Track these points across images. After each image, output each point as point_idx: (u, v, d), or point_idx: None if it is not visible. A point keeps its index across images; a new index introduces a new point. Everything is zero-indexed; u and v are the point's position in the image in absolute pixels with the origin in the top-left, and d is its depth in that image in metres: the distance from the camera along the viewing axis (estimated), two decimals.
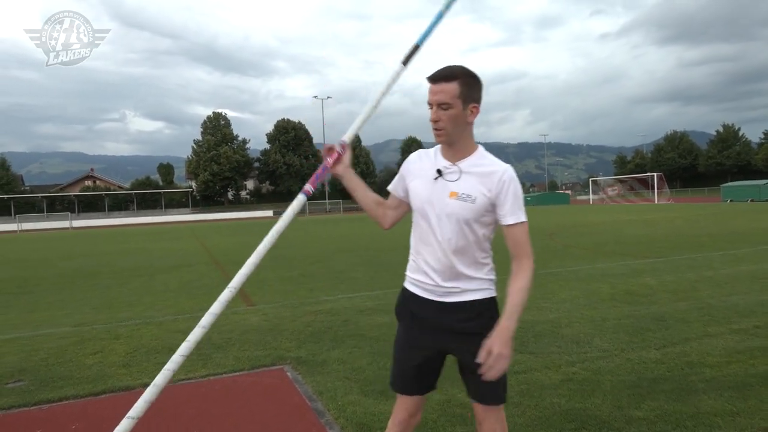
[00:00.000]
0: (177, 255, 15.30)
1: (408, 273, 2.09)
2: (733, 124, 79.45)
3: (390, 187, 2.11)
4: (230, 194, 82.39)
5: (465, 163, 1.90)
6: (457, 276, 1.92)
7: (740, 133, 78.24)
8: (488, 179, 1.86)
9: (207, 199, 79.18)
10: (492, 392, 1.93)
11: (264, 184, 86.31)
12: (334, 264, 11.13)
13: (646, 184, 48.23)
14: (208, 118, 77.91)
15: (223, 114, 78.76)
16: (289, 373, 4.11)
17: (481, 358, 1.75)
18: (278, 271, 10.34)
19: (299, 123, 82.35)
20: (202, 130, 77.29)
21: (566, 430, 2.91)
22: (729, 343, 4.28)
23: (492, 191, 1.85)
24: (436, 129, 1.88)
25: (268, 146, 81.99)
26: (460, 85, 1.81)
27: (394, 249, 13.45)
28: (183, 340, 1.85)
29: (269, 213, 68.24)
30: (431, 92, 1.85)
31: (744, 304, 5.64)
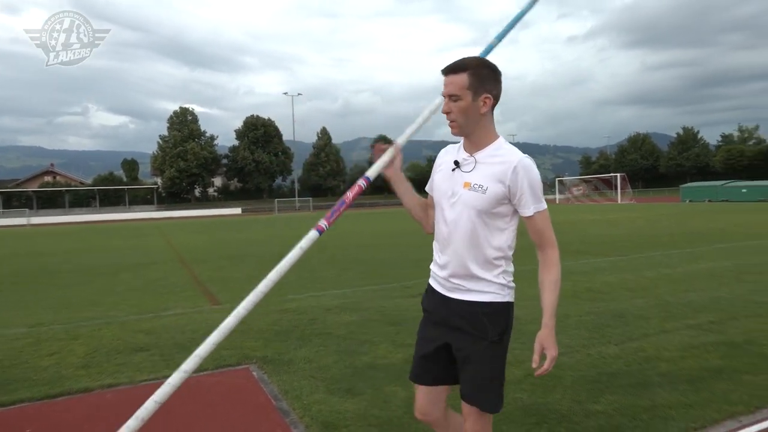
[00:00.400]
0: (142, 253, 14.94)
1: (431, 267, 2.11)
2: (692, 127, 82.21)
3: (427, 187, 2.10)
4: (197, 191, 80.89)
5: (481, 154, 1.89)
6: (466, 273, 1.90)
7: (699, 136, 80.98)
8: (502, 169, 1.82)
9: (173, 196, 77.54)
10: (476, 394, 1.91)
11: (232, 181, 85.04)
12: (302, 262, 11.03)
13: (610, 184, 49.52)
14: (175, 113, 76.22)
15: (191, 109, 77.25)
16: (254, 373, 4.07)
17: (534, 362, 1.81)
18: (245, 269, 10.22)
19: (269, 119, 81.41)
20: (168, 125, 75.56)
21: (527, 425, 2.97)
22: (684, 338, 4.44)
23: (505, 182, 1.82)
24: (448, 121, 1.90)
25: (236, 143, 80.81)
26: (470, 77, 1.82)
27: (363, 247, 13.45)
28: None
29: (237, 211, 67.30)
30: (444, 85, 1.87)
31: (699, 300, 5.86)
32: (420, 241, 14.37)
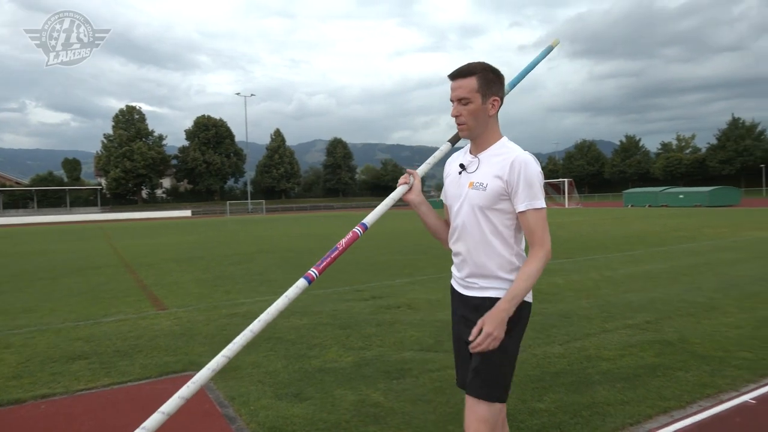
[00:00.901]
0: (83, 257, 14.29)
1: (451, 269, 2.13)
2: (635, 135, 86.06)
3: (441, 196, 2.14)
4: (144, 193, 78.20)
5: (485, 154, 1.93)
6: (480, 271, 1.92)
7: (641, 144, 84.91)
8: (500, 165, 1.86)
9: (118, 198, 74.66)
10: (476, 382, 1.85)
11: (182, 183, 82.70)
12: (253, 265, 10.87)
13: (558, 189, 51.15)
14: (121, 111, 73.48)
15: (138, 108, 74.67)
16: None
17: (472, 334, 1.78)
18: (193, 273, 9.95)
19: (221, 120, 79.71)
20: (113, 124, 72.72)
21: None
22: (623, 338, 4.63)
23: (503, 177, 1.84)
24: (458, 124, 1.93)
25: (186, 143, 78.67)
26: (479, 80, 1.86)
27: (315, 250, 13.36)
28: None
29: (188, 213, 65.51)
30: (451, 89, 1.90)
31: (638, 301, 6.13)
32: (373, 244, 14.41)
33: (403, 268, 9.38)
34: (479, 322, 1.79)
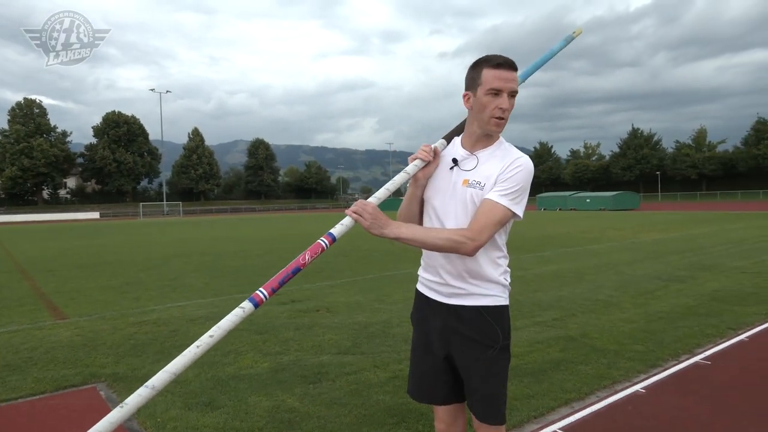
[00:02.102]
0: None
1: (419, 272, 1.98)
2: (547, 142, 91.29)
3: (412, 188, 1.96)
4: (46, 193, 72.37)
5: (484, 153, 1.82)
6: (467, 272, 1.80)
7: (552, 150, 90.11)
8: (499, 163, 1.77)
9: (15, 198, 68.60)
10: (485, 408, 1.81)
11: (89, 183, 77.45)
12: (166, 270, 10.36)
13: None
14: (18, 104, 67.62)
15: (38, 101, 69.07)
16: (102, 392, 3.72)
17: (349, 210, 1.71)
18: (98, 279, 9.33)
19: (133, 117, 75.47)
20: (9, 118, 66.71)
21: (388, 425, 3.06)
22: (531, 335, 4.88)
23: (496, 174, 1.75)
24: (500, 118, 1.74)
25: (95, 140, 73.75)
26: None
27: (233, 253, 12.95)
28: None
29: (95, 215, 61.42)
30: (503, 79, 1.70)
31: (546, 299, 6.47)
32: (295, 246, 14.21)
33: (321, 270, 9.33)
34: (359, 202, 1.71)
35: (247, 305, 1.57)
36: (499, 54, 1.75)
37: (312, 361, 4.24)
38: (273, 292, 1.61)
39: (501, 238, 1.85)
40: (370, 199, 1.77)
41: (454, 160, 1.84)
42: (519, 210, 1.75)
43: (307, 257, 1.65)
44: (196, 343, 1.51)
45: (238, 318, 1.55)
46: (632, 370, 3.89)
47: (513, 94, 1.73)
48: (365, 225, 1.69)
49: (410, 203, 1.93)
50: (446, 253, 1.78)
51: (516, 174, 1.73)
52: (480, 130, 1.80)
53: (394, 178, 1.87)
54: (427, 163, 1.85)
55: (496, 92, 1.71)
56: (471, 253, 1.71)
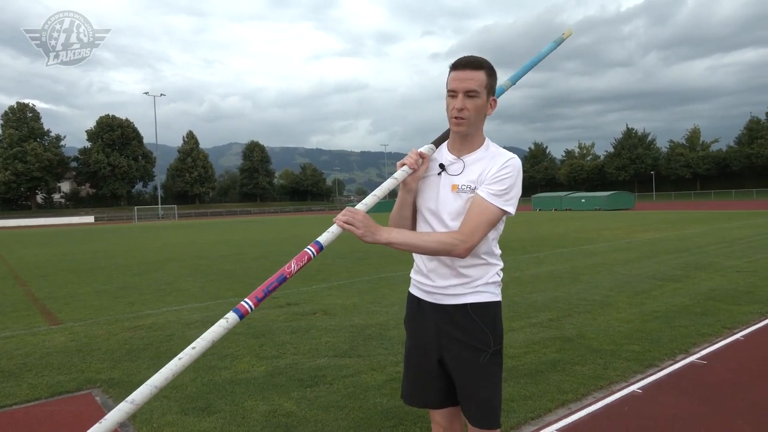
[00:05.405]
0: None
1: (411, 275, 1.98)
2: (542, 143, 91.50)
3: (403, 195, 1.96)
4: (40, 197, 72.00)
5: (471, 157, 1.81)
6: (458, 272, 1.80)
7: (547, 151, 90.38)
8: (487, 165, 1.76)
9: (9, 203, 68.20)
10: (479, 413, 1.81)
11: (83, 187, 77.07)
12: (161, 274, 10.31)
13: None
14: (11, 109, 67.26)
15: (31, 105, 68.74)
16: (98, 398, 3.70)
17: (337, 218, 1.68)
18: (93, 284, 9.28)
19: (127, 120, 75.20)
20: (2, 122, 66.40)
21: (385, 428, 3.05)
22: (527, 335, 4.88)
23: (485, 176, 1.75)
24: (459, 118, 1.73)
25: (88, 144, 73.42)
26: (486, 75, 1.73)
27: (229, 256, 12.91)
28: None
29: (90, 219, 61.12)
30: (458, 79, 1.72)
31: (542, 300, 6.48)
32: (291, 248, 14.18)
33: (317, 273, 9.31)
34: (348, 211, 1.69)
35: (231, 316, 1.53)
36: (470, 55, 1.76)
37: (309, 365, 4.23)
38: (258, 301, 1.57)
39: (493, 237, 1.84)
40: (358, 207, 1.76)
41: (441, 166, 1.84)
42: (511, 208, 1.75)
43: (293, 266, 1.62)
44: (179, 355, 1.47)
45: (222, 329, 1.51)
46: (628, 371, 3.89)
47: (469, 93, 1.71)
48: (358, 234, 1.67)
49: (401, 208, 1.92)
50: (439, 256, 1.78)
51: (506, 174, 1.73)
52: (453, 132, 1.83)
53: (383, 184, 1.86)
54: (415, 169, 1.85)
55: (453, 93, 1.73)
56: (464, 255, 1.71)
